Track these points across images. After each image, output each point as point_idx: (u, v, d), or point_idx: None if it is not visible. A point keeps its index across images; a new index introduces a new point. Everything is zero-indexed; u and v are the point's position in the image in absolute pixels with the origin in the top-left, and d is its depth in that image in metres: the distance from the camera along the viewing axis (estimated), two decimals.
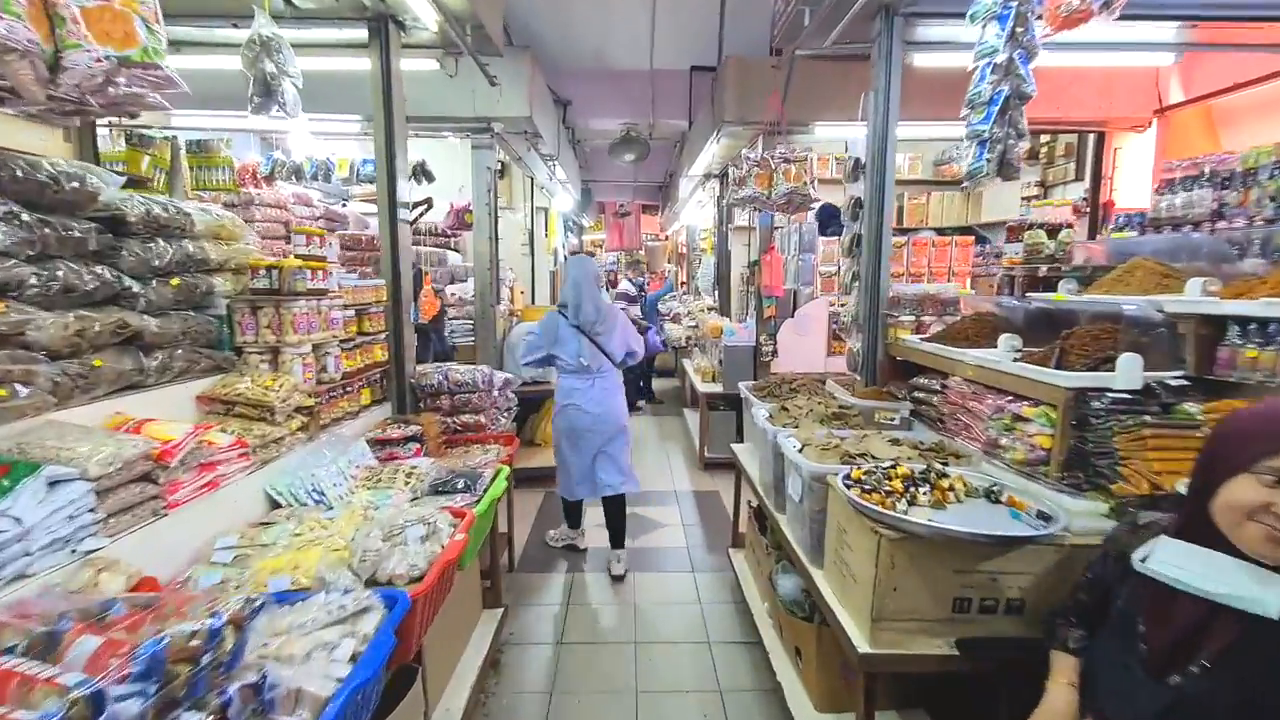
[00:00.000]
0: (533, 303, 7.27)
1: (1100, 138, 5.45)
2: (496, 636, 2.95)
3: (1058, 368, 2.03)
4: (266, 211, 5.82)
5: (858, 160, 3.10)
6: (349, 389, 2.74)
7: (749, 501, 3.63)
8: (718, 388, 5.75)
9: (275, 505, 2.13)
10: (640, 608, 3.43)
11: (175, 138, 4.70)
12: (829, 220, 5.87)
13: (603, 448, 3.77)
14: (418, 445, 2.74)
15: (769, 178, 3.49)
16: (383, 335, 3.11)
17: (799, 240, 5.64)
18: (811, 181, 3.45)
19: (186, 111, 4.64)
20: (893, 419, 2.82)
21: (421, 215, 3.31)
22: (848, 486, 1.92)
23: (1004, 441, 2.16)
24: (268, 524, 1.99)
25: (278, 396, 2.16)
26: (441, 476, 2.39)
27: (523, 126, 4.92)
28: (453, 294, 5.35)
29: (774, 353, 5.43)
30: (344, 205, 7.60)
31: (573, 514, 4.17)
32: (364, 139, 5.53)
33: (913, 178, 7.13)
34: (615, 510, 3.86)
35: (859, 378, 3.23)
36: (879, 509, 1.74)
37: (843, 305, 5.64)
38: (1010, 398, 2.19)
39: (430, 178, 5.27)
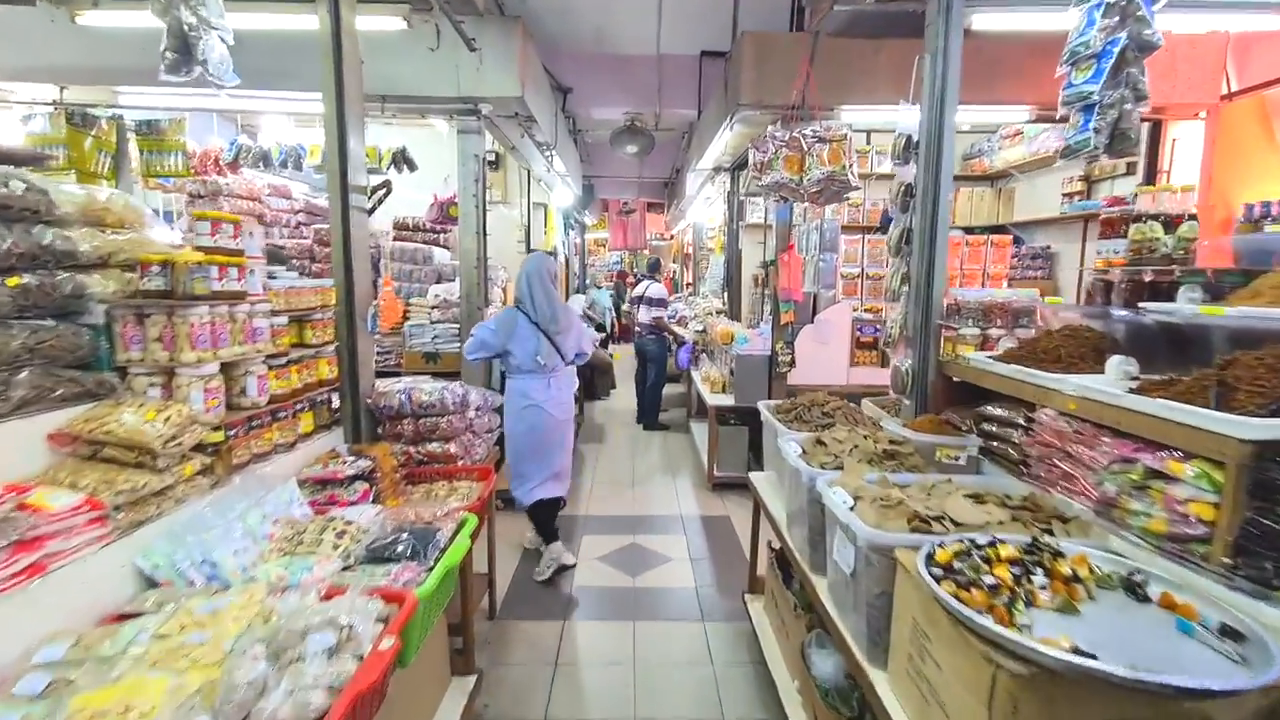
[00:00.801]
0: None
1: (1156, 126, 4.86)
2: (468, 711, 2.40)
3: (1218, 408, 1.45)
4: (237, 204, 5.29)
5: (909, 139, 2.53)
6: (281, 416, 2.18)
7: (769, 542, 3.07)
8: (728, 399, 5.19)
9: (152, 583, 1.57)
10: (643, 669, 2.87)
11: (121, 118, 4.17)
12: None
13: (558, 449, 3.69)
14: (366, 486, 2.18)
15: (800, 160, 2.91)
16: (331, 347, 2.55)
17: (820, 239, 5.06)
18: (850, 165, 2.86)
19: (133, 88, 4.09)
20: (957, 458, 2.25)
21: (380, 202, 2.79)
22: (935, 576, 1.35)
23: (1134, 505, 1.58)
24: (132, 615, 1.43)
25: (160, 434, 1.60)
26: (384, 536, 1.82)
27: (514, 108, 4.36)
28: (436, 295, 4.80)
29: (791, 363, 4.86)
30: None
31: (543, 521, 3.82)
32: None
33: None
34: (554, 512, 3.84)
35: (906, 401, 2.65)
36: (991, 624, 1.18)
37: (881, 313, 5.07)
38: (1138, 445, 1.62)
39: (412, 166, 4.72)
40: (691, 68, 6.64)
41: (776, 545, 2.83)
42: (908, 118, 2.56)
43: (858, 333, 5.06)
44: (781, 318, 4.82)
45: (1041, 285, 5.81)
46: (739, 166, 6.61)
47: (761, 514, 3.03)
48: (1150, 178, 4.86)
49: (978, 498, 1.79)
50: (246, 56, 4.19)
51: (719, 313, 7.14)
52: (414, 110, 4.34)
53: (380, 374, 4.39)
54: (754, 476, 3.13)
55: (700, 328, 7.06)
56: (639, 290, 7.10)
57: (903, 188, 2.57)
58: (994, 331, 2.46)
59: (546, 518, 3.81)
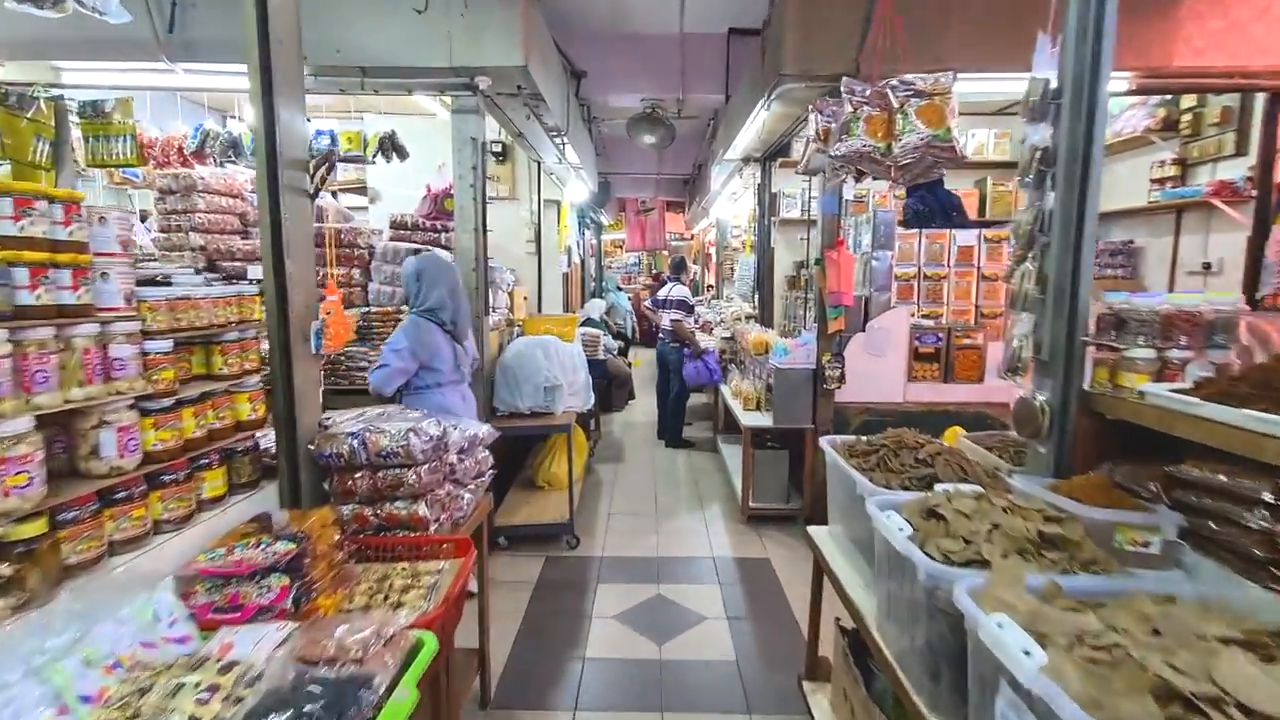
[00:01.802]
0: (539, 310, 6.03)
1: (1274, 99, 4.05)
2: None
3: None
4: (214, 201, 4.66)
5: (1046, 86, 1.80)
6: (167, 480, 1.51)
7: (838, 621, 2.35)
8: (764, 419, 4.46)
9: None
10: None
11: (62, 98, 3.55)
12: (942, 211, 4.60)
13: None
14: (285, 582, 1.50)
15: (886, 122, 2.18)
16: (256, 377, 1.88)
17: (873, 233, 4.32)
18: (956, 129, 2.12)
19: (75, 64, 3.48)
20: (1146, 545, 1.51)
21: (323, 180, 2.16)
22: None
23: None
24: None
25: None
26: (281, 688, 1.13)
27: (516, 81, 3.67)
28: None
29: (841, 378, 4.12)
30: (322, 195, 6.45)
31: None
32: (315, 102, 4.34)
33: (999, 159, 5.79)
34: None
35: (1040, 449, 1.92)
36: None
37: (941, 318, 4.32)
38: None
39: (402, 154, 4.05)
40: (718, 47, 5.92)
41: (849, 625, 2.13)
42: (1043, 61, 1.83)
43: (916, 342, 4.31)
44: (829, 325, 4.08)
45: (1123, 285, 5.02)
46: (771, 156, 5.88)
47: (823, 573, 2.33)
48: (1268, 160, 4.05)
49: (1260, 646, 1.05)
50: (207, 27, 3.59)
51: (748, 318, 6.41)
52: (399, 86, 3.68)
53: (363, 392, 3.75)
54: (815, 533, 2.41)
55: (727, 334, 6.34)
56: (662, 293, 6.38)
57: (1035, 155, 1.84)
58: (1175, 353, 1.71)
59: None
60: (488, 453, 2.48)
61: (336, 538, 1.73)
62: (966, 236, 4.53)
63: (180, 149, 3.97)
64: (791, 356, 4.31)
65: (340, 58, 3.46)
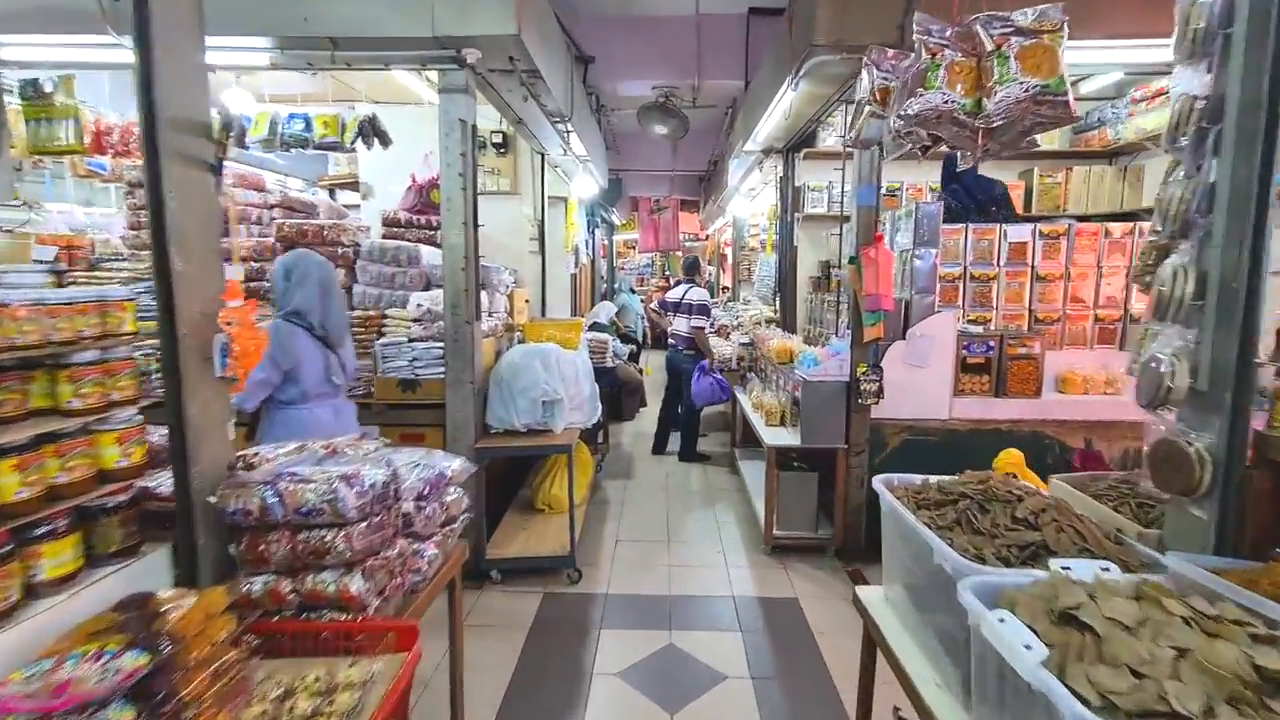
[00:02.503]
0: (542, 314, 5.56)
1: None
2: None
3: None
4: None
5: (1211, 9, 1.28)
6: None
7: (897, 710, 1.85)
8: (790, 437, 3.94)
9: None
10: None
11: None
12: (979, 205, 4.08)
13: None
14: (129, 717, 1.03)
15: (975, 71, 1.64)
16: (129, 411, 1.41)
17: (915, 229, 3.79)
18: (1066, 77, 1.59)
19: (8, 38, 3.06)
20: None
21: (224, 152, 1.74)
22: None
23: None
24: None
25: None
26: None
27: (508, 52, 3.20)
28: (419, 305, 3.67)
29: (879, 393, 3.59)
30: (314, 191, 6.03)
31: None
32: (286, 79, 3.91)
33: (1046, 148, 5.21)
34: None
35: (1196, 512, 1.39)
36: None
37: (990, 323, 3.82)
38: None
39: (385, 140, 3.59)
40: (738, 29, 5.43)
41: (909, 718, 1.63)
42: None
43: (963, 351, 3.77)
44: (865, 332, 3.56)
45: None
46: (795, 147, 5.36)
47: (875, 640, 1.82)
48: None
49: None
50: None
51: (769, 322, 5.89)
52: (376, 60, 3.22)
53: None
54: (867, 598, 1.90)
55: (746, 339, 5.82)
56: (675, 295, 5.87)
57: (1191, 108, 1.32)
58: None
59: None
60: (460, 492, 1.99)
61: (229, 631, 1.25)
62: (1019, 232, 3.98)
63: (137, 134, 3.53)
64: (822, 368, 3.79)
65: (308, 27, 3.01)
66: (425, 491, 1.78)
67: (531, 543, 3.70)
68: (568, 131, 4.65)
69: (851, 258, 3.61)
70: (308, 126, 3.46)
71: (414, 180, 4.11)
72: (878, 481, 1.93)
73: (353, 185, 5.42)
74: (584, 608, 3.32)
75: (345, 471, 1.48)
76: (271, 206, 5.04)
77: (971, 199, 4.21)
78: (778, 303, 5.94)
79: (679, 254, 12.84)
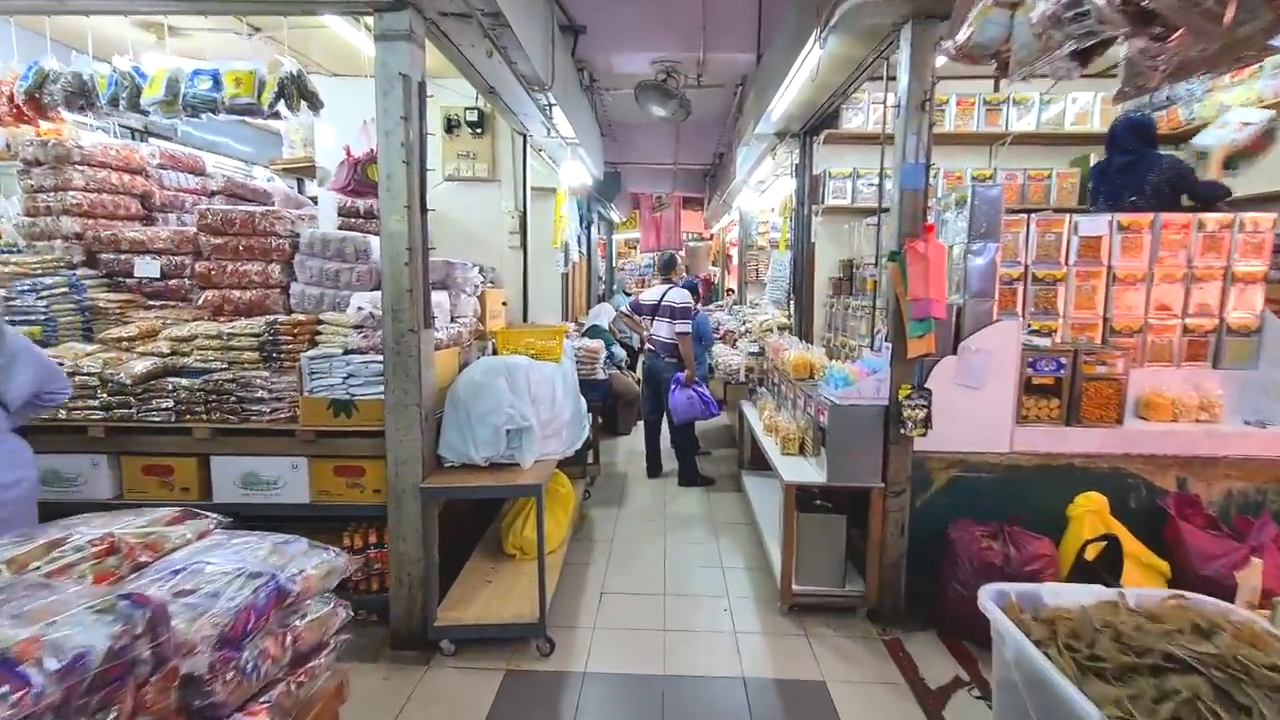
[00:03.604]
0: (524, 319, 4.82)
1: None
2: None
3: None
4: (97, 177, 3.54)
5: None
6: None
7: None
8: (812, 470, 3.22)
9: None
10: None
11: None
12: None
13: None
14: None
15: None
16: None
17: (971, 219, 3.05)
18: None
19: None
20: None
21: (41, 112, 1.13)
22: None
23: None
24: None
25: None
26: None
27: None
28: (360, 309, 2.95)
29: (925, 421, 2.85)
30: (270, 178, 5.32)
31: None
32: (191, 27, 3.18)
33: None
34: None
35: None
36: None
37: (1057, 333, 3.12)
38: None
39: (314, 103, 2.86)
40: None
41: None
42: None
43: (1028, 369, 3.03)
44: (910, 347, 2.82)
45: None
46: (814, 129, 4.62)
47: None
48: None
49: None
50: None
51: (781, 329, 5.15)
52: (297, 3, 2.50)
53: (261, 433, 2.59)
54: None
55: (755, 348, 5.09)
56: (650, 296, 5.11)
57: None
58: None
59: None
60: (327, 608, 1.26)
61: None
62: (1094, 225, 3.24)
63: (10, 97, 2.82)
64: (854, 388, 3.05)
65: None
66: (247, 626, 1.05)
67: (495, 602, 2.96)
68: (549, 105, 3.92)
69: (893, 254, 2.87)
70: (216, 85, 2.74)
71: (348, 154, 3.39)
72: (986, 598, 1.20)
73: (307, 169, 4.70)
74: (555, 693, 2.58)
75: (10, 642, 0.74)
76: (212, 194, 4.34)
77: (1160, 180, 3.39)
78: (792, 307, 5.20)
79: (682, 254, 12.09)
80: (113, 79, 2.79)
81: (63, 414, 2.86)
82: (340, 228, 4.23)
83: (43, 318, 3.08)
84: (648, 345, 5.04)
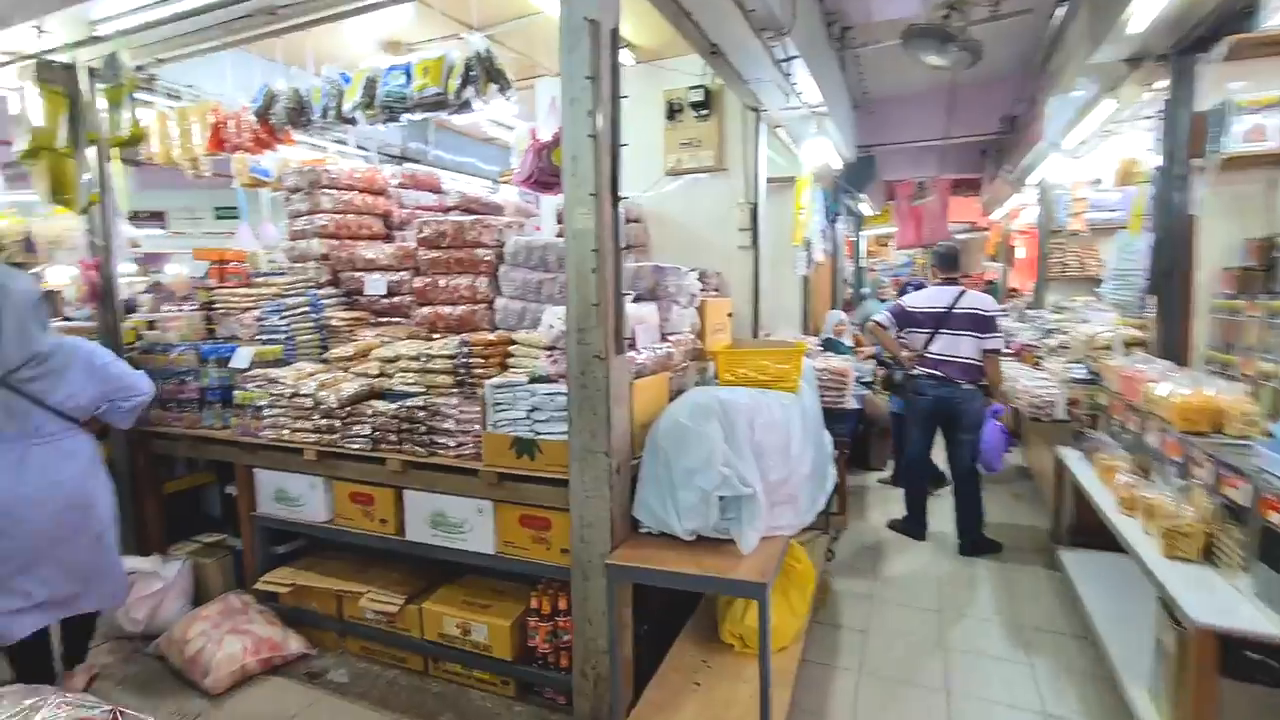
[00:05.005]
0: (754, 333, 3.97)
1: None
2: None
3: None
4: (342, 199, 3.61)
5: None
6: None
7: None
8: (1240, 600, 1.81)
9: None
10: None
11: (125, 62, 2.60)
12: None
13: (65, 554, 2.28)
14: None
15: None
16: None
17: None
18: None
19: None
20: None
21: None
22: None
23: None
24: None
25: None
26: None
27: None
28: (551, 327, 2.42)
29: None
30: (495, 189, 5.28)
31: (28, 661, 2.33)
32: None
33: None
34: (82, 623, 2.51)
35: None
36: None
37: None
38: None
39: (503, 84, 2.39)
40: None
41: None
42: None
43: None
44: None
45: None
46: (1199, 43, 3.00)
47: None
48: None
49: None
50: None
51: (1130, 345, 3.51)
52: None
53: (448, 469, 2.22)
54: None
55: (1080, 372, 3.55)
56: (933, 300, 3.81)
57: None
58: None
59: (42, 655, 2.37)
60: None
61: None
62: None
63: (237, 121, 2.85)
64: None
65: None
66: None
67: (706, 716, 2.17)
68: (788, 59, 3.02)
69: None
70: (408, 79, 2.41)
71: (534, 138, 2.88)
72: None
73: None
74: None
75: None
76: (447, 209, 4.32)
77: None
78: (1157, 309, 3.48)
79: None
80: (324, 90, 2.65)
81: (285, 433, 2.82)
82: (559, 235, 3.89)
83: (284, 336, 3.13)
84: (923, 369, 3.78)
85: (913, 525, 3.99)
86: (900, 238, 10.12)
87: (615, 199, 2.03)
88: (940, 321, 3.73)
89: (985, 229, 10.79)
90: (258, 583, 2.88)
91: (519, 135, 4.76)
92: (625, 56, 3.53)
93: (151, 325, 3.44)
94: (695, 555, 2.04)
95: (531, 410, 2.32)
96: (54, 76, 2.40)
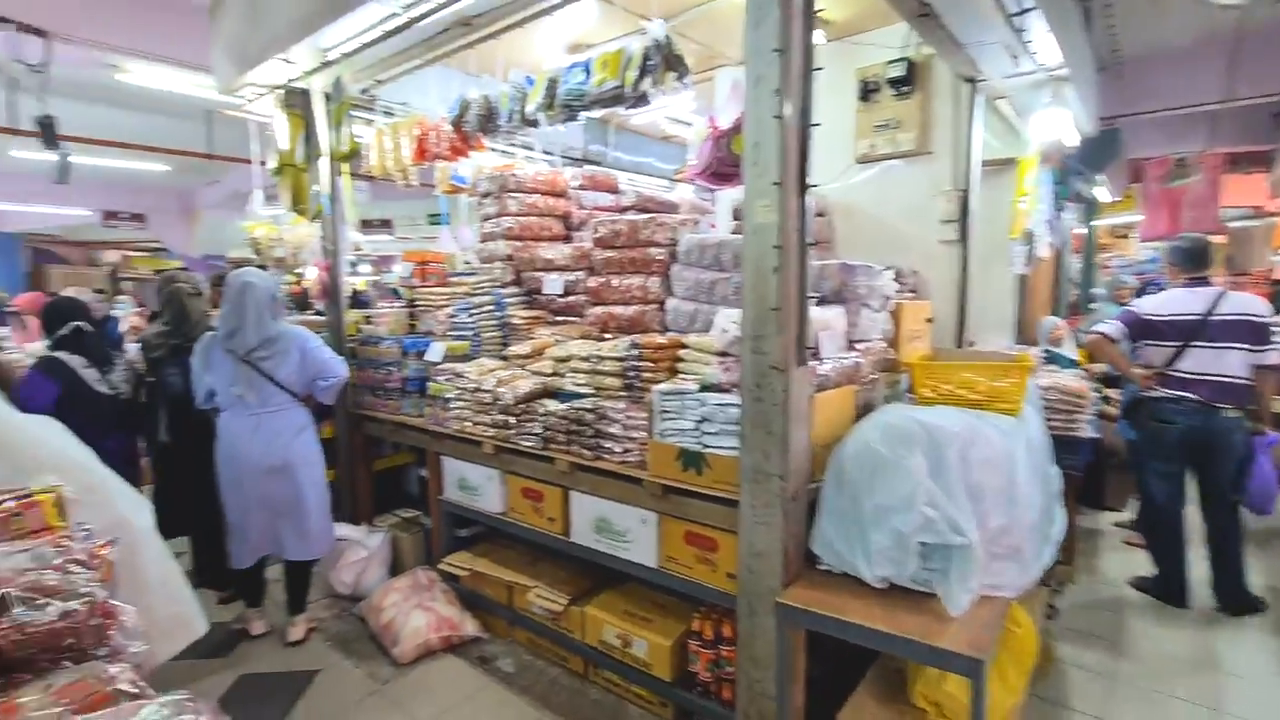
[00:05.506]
0: (958, 341, 3.40)
1: None
2: None
3: None
4: (527, 201, 3.74)
5: None
6: None
7: None
8: None
9: None
10: None
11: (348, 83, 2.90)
12: None
13: (279, 504, 2.77)
14: None
15: None
16: None
17: None
18: None
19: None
20: None
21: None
22: None
23: None
24: None
25: None
26: None
27: None
28: (725, 331, 2.21)
29: None
30: (670, 187, 5.17)
31: (248, 585, 2.96)
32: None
33: None
34: (298, 574, 2.94)
35: None
36: None
37: None
38: None
39: (681, 71, 2.22)
40: None
41: None
42: None
43: None
44: None
45: None
46: None
47: None
48: None
49: None
50: None
51: None
52: None
53: (614, 475, 2.16)
54: None
55: None
56: (1173, 307, 3.01)
57: None
58: None
59: (253, 584, 2.94)
60: None
61: None
62: None
63: (437, 131, 3.02)
64: None
65: None
66: None
67: None
68: (1021, 12, 2.47)
69: None
70: (587, 75, 2.36)
71: (712, 126, 2.65)
72: None
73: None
74: None
75: None
76: (624, 209, 4.32)
77: None
78: None
79: (1220, 240, 8.08)
80: (511, 95, 2.71)
81: (468, 425, 2.95)
82: (735, 231, 3.67)
83: (471, 333, 3.30)
84: (1166, 390, 2.99)
85: (1167, 587, 3.16)
86: (1147, 228, 8.31)
87: (803, 189, 1.77)
88: (1193, 332, 2.93)
89: (1273, 214, 8.51)
90: (441, 563, 3.07)
91: (696, 130, 4.62)
92: (815, 35, 3.20)
93: (369, 320, 3.85)
94: (887, 607, 1.71)
95: (700, 421, 2.14)
96: (295, 101, 2.79)
